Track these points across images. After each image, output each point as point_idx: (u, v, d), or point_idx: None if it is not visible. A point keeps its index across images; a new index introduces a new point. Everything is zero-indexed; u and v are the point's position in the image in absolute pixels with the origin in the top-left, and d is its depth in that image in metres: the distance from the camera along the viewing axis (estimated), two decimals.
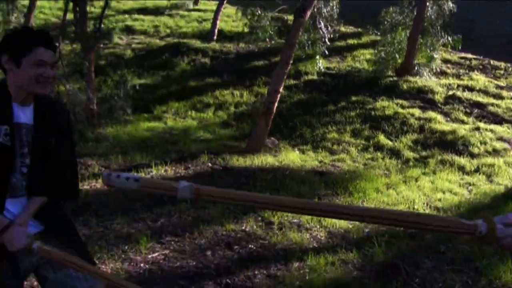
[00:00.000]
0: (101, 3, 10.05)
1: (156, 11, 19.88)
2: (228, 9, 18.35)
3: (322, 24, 8.42)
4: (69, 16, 17.83)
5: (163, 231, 4.77)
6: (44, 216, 2.35)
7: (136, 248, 4.34)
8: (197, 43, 15.05)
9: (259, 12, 8.43)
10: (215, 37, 15.65)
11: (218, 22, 16.03)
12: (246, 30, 12.77)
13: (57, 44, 8.58)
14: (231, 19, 18.26)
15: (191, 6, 20.58)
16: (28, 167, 2.29)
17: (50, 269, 2.31)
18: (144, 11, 19.83)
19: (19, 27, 2.46)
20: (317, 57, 8.32)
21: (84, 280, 2.30)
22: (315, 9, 8.26)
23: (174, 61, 13.70)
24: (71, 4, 9.72)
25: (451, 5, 12.42)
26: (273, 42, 8.33)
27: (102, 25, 9.99)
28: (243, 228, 5.02)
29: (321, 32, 8.27)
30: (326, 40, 8.43)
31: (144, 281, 3.82)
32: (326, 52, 9.30)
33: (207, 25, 17.10)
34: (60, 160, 2.39)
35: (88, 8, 9.62)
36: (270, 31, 7.96)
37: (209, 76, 12.59)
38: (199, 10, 20.02)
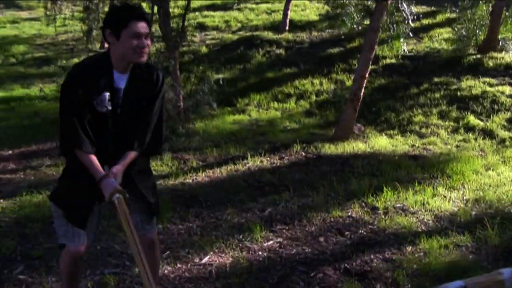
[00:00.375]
0: (181, 3, 10.30)
1: (225, 6, 20.13)
2: None
3: (405, 5, 8.25)
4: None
5: (273, 220, 4.89)
6: (129, 167, 2.80)
7: (251, 237, 4.47)
8: (269, 35, 15.12)
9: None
10: (287, 28, 15.66)
11: (288, 12, 16.02)
12: (319, 18, 12.66)
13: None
14: (300, 9, 18.22)
15: None
16: (122, 125, 2.74)
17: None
18: (213, 7, 20.12)
19: (117, 4, 3.01)
20: (401, 40, 8.17)
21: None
22: None
23: (249, 54, 13.84)
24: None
25: None
26: (357, 28, 8.25)
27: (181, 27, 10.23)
28: (349, 214, 5.06)
29: (404, 14, 8.11)
30: (410, 21, 8.26)
31: (265, 268, 3.94)
32: (410, 34, 9.10)
33: (277, 17, 17.14)
34: (149, 119, 2.79)
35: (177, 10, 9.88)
36: (357, 17, 7.88)
37: (286, 67, 12.63)
38: (267, 2, 20.07)
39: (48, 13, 15.46)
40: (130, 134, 2.78)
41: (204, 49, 14.87)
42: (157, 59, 10.00)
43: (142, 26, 2.62)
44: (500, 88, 9.97)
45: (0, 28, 20.26)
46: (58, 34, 18.53)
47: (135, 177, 2.88)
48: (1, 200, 5.50)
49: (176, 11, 11.60)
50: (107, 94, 2.65)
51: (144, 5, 11.56)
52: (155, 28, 12.71)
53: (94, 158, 2.68)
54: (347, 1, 8.18)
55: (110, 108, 2.67)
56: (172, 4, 10.78)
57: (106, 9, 15.99)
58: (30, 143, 8.47)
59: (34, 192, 5.71)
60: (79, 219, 2.77)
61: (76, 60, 15.30)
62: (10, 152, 7.98)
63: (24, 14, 22.76)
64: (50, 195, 2.91)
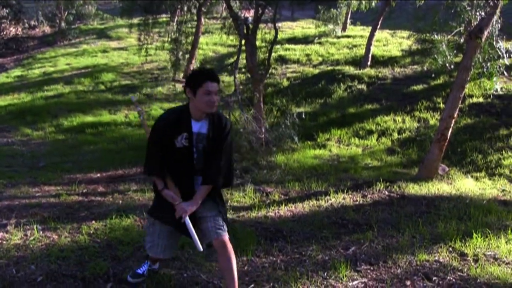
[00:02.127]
0: (268, 36, 10.53)
1: (305, 40, 20.40)
2: (377, 34, 18.23)
3: (501, 43, 8.04)
4: (225, 50, 18.95)
5: (357, 259, 4.82)
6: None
7: (335, 275, 4.42)
8: (351, 70, 15.13)
9: (436, 36, 8.29)
10: (369, 63, 15.62)
11: (371, 47, 16.00)
12: (401, 54, 12.54)
13: (234, 77, 9.22)
14: (382, 43, 18.16)
15: (339, 33, 20.78)
16: (197, 160, 3.55)
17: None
18: (293, 40, 20.44)
19: (196, 69, 3.86)
20: (495, 78, 7.96)
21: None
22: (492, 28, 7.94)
23: (330, 89, 13.88)
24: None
25: None
26: (452, 66, 8.14)
27: (269, 57, 10.44)
28: (436, 258, 4.90)
29: (500, 52, 7.89)
30: (506, 59, 8.03)
31: None
32: (505, 72, 8.85)
33: (358, 51, 17.16)
34: (219, 157, 3.54)
35: (258, 43, 10.15)
36: (449, 55, 7.79)
37: (368, 102, 12.57)
38: (347, 37, 20.16)
39: (140, 43, 16.27)
40: (204, 168, 3.58)
41: (285, 82, 15.07)
42: (241, 91, 10.25)
43: (213, 86, 3.43)
44: None
45: (92, 57, 21.46)
46: (144, 63, 19.38)
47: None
48: (93, 222, 5.76)
49: (259, 43, 11.86)
50: (185, 134, 3.47)
51: (230, 38, 11.95)
52: (242, 60, 13.08)
53: (170, 185, 3.60)
54: (439, 37, 8.08)
55: (187, 145, 3.48)
56: (258, 36, 11.05)
57: (190, 40, 16.70)
58: (117, 167, 8.85)
59: (123, 215, 5.94)
60: (167, 221, 3.65)
61: (160, 89, 15.96)
62: (99, 175, 8.37)
63: (114, 43, 24.05)
64: (148, 211, 3.88)
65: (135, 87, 16.81)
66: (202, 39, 20.84)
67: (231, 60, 11.38)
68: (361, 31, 20.52)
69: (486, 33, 7.80)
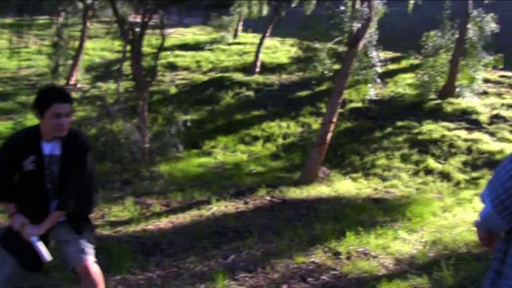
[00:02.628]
0: (155, 42, 10.40)
1: (197, 46, 20.36)
2: (267, 41, 18.65)
3: (374, 52, 8.58)
4: (113, 56, 18.46)
5: (236, 267, 4.88)
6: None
7: (213, 286, 4.44)
8: (240, 77, 15.35)
9: (317, 45, 8.68)
10: (257, 70, 15.92)
11: (260, 54, 16.32)
12: (289, 61, 12.99)
13: (118, 85, 8.95)
14: (271, 51, 18.58)
15: (230, 40, 20.98)
16: (52, 184, 3.22)
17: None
18: (184, 47, 20.34)
19: (44, 87, 3.51)
20: (369, 85, 8.49)
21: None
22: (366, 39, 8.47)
23: (218, 96, 14.00)
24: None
25: (493, 25, 12.40)
26: (327, 73, 8.59)
27: (154, 64, 10.31)
28: (312, 259, 5.09)
29: (373, 60, 8.44)
30: (377, 68, 8.59)
31: None
32: (378, 80, 9.45)
33: (248, 58, 17.42)
34: (73, 182, 3.21)
35: (147, 49, 9.98)
36: (328, 63, 8.21)
37: (255, 109, 12.81)
38: (238, 44, 20.40)
39: (12, 46, 15.24)
40: (58, 192, 3.25)
41: (173, 90, 14.97)
42: (125, 98, 10.04)
43: (62, 107, 3.11)
44: (456, 132, 10.37)
45: None
46: (20, 69, 18.12)
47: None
48: None
49: (148, 49, 11.63)
50: (33, 157, 3.14)
51: (116, 43, 11.65)
52: (126, 66, 12.79)
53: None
54: (320, 46, 8.49)
55: (33, 168, 3.15)
56: (145, 42, 10.86)
57: (74, 44, 15.99)
58: None
59: None
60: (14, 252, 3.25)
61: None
62: None
63: None
64: None
65: (7, 94, 15.66)
66: (89, 44, 20.06)
67: (124, 66, 11.15)
68: (252, 39, 20.85)
69: (361, 43, 8.27)
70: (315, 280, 4.63)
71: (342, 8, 8.97)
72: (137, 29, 9.90)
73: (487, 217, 2.21)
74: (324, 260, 5.10)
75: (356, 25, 8.51)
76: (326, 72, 8.79)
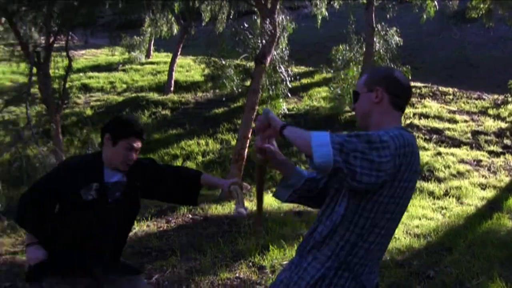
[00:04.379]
0: (63, 64, 10.11)
1: (110, 67, 19.99)
2: (181, 60, 18.63)
3: (283, 68, 8.80)
4: (24, 79, 17.76)
5: (160, 287, 4.79)
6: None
7: None
8: (155, 96, 15.20)
9: (223, 62, 8.75)
10: (172, 89, 15.85)
11: (173, 73, 16.26)
12: (205, 79, 13.07)
13: (27, 109, 8.60)
14: (185, 70, 18.57)
15: (143, 60, 20.78)
16: (116, 212, 2.97)
17: None
18: (97, 68, 19.91)
19: (124, 116, 3.47)
20: (281, 100, 8.69)
21: None
22: (275, 54, 8.65)
23: (135, 116, 13.76)
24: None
25: (397, 39, 13.09)
26: (238, 89, 8.69)
27: (64, 86, 10.02)
28: (237, 275, 5.09)
29: (282, 76, 8.65)
30: (288, 82, 8.82)
31: None
32: (289, 94, 9.69)
33: (162, 77, 17.31)
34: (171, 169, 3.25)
35: (51, 71, 9.67)
36: (236, 79, 8.31)
37: (172, 128, 12.70)
38: (151, 63, 20.25)
39: None
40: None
41: (88, 111, 14.58)
42: (37, 123, 9.67)
43: (137, 142, 2.98)
44: None
45: None
46: None
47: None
48: None
49: (58, 72, 11.28)
50: (95, 184, 2.88)
51: (23, 66, 11.22)
52: (35, 89, 12.33)
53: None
54: (227, 64, 8.58)
55: (95, 197, 2.87)
56: (53, 64, 10.53)
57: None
58: None
59: None
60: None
61: None
62: None
63: None
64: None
65: None
66: None
67: (33, 90, 10.68)
68: (165, 58, 20.72)
69: (269, 58, 8.43)
70: None
71: (246, 25, 9.14)
72: (42, 51, 9.59)
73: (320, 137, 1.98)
74: (249, 275, 5.11)
75: (262, 42, 8.68)
76: (235, 88, 8.91)
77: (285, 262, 5.39)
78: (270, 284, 2.26)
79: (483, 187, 8.39)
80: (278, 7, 9.93)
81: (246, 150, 8.49)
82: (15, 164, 8.35)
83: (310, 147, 1.95)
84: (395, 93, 2.25)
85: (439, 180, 8.83)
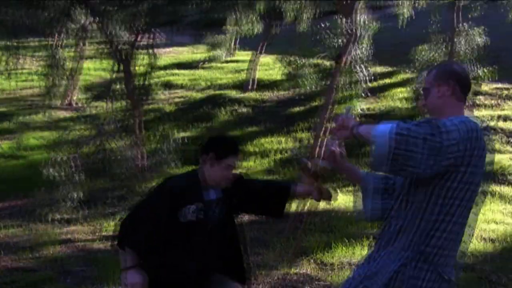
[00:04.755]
0: (147, 61, 10.59)
1: (191, 65, 20.55)
2: (263, 58, 18.86)
3: (358, 67, 8.80)
4: (115, 75, 18.70)
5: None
6: None
7: None
8: (235, 94, 15.53)
9: (302, 61, 8.89)
10: (253, 87, 16.09)
11: (254, 72, 16.51)
12: (287, 78, 13.22)
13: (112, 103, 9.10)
14: (266, 68, 18.78)
15: (226, 58, 21.19)
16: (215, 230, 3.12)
17: None
18: (180, 65, 20.52)
19: (220, 136, 3.87)
20: (358, 99, 8.73)
21: None
22: (353, 54, 8.66)
23: (214, 113, 14.16)
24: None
25: (481, 38, 12.58)
26: (316, 88, 8.82)
27: (146, 82, 10.49)
28: (302, 271, 5.20)
29: (358, 75, 8.66)
30: (363, 83, 8.81)
31: None
32: (364, 94, 9.65)
33: (243, 76, 17.59)
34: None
35: (136, 68, 10.16)
36: (313, 78, 8.45)
37: (250, 125, 12.95)
38: (234, 61, 20.61)
39: (8, 68, 15.43)
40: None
41: (169, 108, 15.14)
42: (120, 117, 10.19)
43: (235, 161, 3.12)
44: None
45: None
46: (20, 89, 18.30)
47: None
48: None
49: (142, 69, 11.81)
50: (195, 205, 3.02)
51: (106, 62, 11.88)
52: (120, 86, 12.97)
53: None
54: (306, 63, 8.72)
55: (200, 217, 3.03)
56: (138, 62, 11.06)
57: (70, 64, 16.20)
58: None
59: None
60: None
61: (36, 117, 15.27)
62: None
63: None
64: None
65: (10, 114, 15.88)
66: (88, 64, 20.30)
67: (118, 86, 11.34)
68: (247, 56, 21.07)
69: (344, 58, 8.43)
70: None
71: (325, 24, 9.20)
72: (127, 49, 10.09)
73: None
74: (314, 271, 5.20)
75: (340, 42, 8.66)
76: (312, 87, 9.01)
77: (347, 260, 5.45)
78: (347, 278, 2.32)
79: None
80: (359, 6, 9.89)
81: (318, 148, 8.54)
82: (98, 155, 8.81)
83: (371, 138, 2.10)
84: (463, 85, 2.41)
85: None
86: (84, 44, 16.90)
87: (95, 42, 21.06)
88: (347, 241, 5.91)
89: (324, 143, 7.67)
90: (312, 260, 5.46)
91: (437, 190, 2.19)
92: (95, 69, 20.59)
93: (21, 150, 12.30)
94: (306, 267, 5.27)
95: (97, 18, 9.80)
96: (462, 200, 2.20)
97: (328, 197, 2.98)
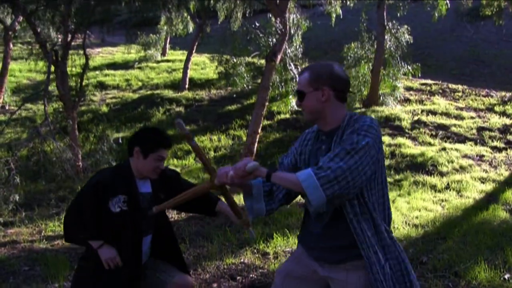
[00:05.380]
0: (80, 62, 10.49)
1: (126, 65, 20.39)
2: (196, 58, 18.98)
3: (292, 65, 9.10)
4: (41, 77, 18.24)
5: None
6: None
7: None
8: (170, 93, 15.56)
9: (234, 60, 9.07)
10: (186, 86, 16.19)
11: (188, 71, 16.60)
12: (219, 77, 13.39)
13: (45, 106, 8.99)
14: (200, 67, 18.90)
15: (159, 58, 21.14)
16: (146, 221, 3.23)
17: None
18: (113, 66, 20.31)
19: (149, 129, 3.84)
20: (290, 96, 8.99)
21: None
22: (285, 52, 8.95)
23: (149, 113, 14.15)
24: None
25: (407, 36, 13.28)
26: (249, 87, 9.04)
27: (80, 83, 10.41)
28: (242, 260, 5.40)
29: (292, 73, 8.94)
30: (295, 80, 9.12)
31: None
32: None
33: (177, 75, 17.65)
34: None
35: (68, 69, 10.06)
36: (247, 77, 8.64)
37: (186, 124, 12.89)
38: (167, 61, 20.60)
39: None
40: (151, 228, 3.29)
41: (104, 108, 14.98)
42: (54, 119, 10.05)
43: (166, 153, 3.21)
44: None
45: None
46: None
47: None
48: None
49: (75, 70, 11.68)
50: (123, 197, 3.12)
51: (41, 64, 11.66)
52: (53, 86, 12.75)
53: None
54: (238, 62, 8.91)
55: (126, 208, 3.13)
56: (70, 62, 10.92)
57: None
58: None
59: None
60: None
61: None
62: None
63: None
64: None
65: None
66: (15, 66, 19.72)
67: (51, 87, 11.12)
68: (180, 55, 21.07)
69: (279, 56, 8.72)
70: (243, 278, 4.94)
71: (258, 24, 9.46)
72: (59, 49, 9.97)
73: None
74: (253, 260, 5.41)
75: (273, 40, 8.96)
76: (246, 85, 9.25)
77: (287, 249, 5.70)
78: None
79: (483, 180, 8.62)
80: (289, 6, 10.22)
81: (256, 145, 8.79)
82: (33, 158, 8.72)
83: (303, 189, 2.27)
84: (339, 89, 2.50)
85: (442, 174, 9.06)
86: (11, 45, 16.36)
87: (23, 43, 20.56)
88: (287, 231, 6.16)
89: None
90: (255, 250, 5.67)
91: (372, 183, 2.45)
92: (20, 71, 19.99)
93: None
94: (249, 257, 5.47)
95: (26, 18, 9.59)
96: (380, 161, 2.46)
97: (246, 223, 2.94)
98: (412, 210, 7.22)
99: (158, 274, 3.32)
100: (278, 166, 2.77)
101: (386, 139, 10.93)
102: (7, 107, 15.63)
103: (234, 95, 13.85)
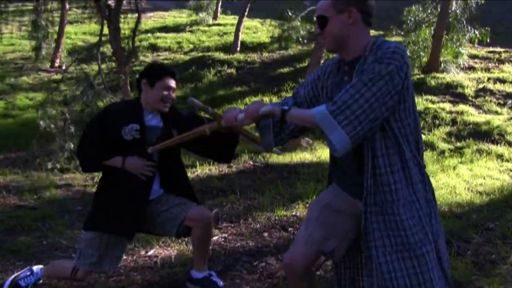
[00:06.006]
0: (132, 23, 10.43)
1: (177, 28, 20.30)
2: (248, 22, 18.63)
3: None
4: (95, 39, 18.39)
5: (219, 219, 4.93)
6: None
7: None
8: (221, 55, 15.35)
9: (289, 13, 8.72)
10: (238, 49, 15.94)
11: (240, 34, 16.33)
12: (270, 40, 13.03)
13: (98, 63, 8.97)
14: (252, 31, 18.58)
15: (210, 21, 20.94)
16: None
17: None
18: (165, 29, 20.27)
19: (153, 62, 3.92)
20: None
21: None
22: None
23: (200, 74, 14.01)
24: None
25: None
26: (302, 46, 8.70)
27: (131, 43, 10.35)
28: (294, 213, 5.17)
29: None
30: None
31: (209, 259, 3.98)
32: None
33: (229, 38, 17.41)
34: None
35: (121, 25, 9.98)
36: (302, 31, 8.27)
37: (237, 85, 12.82)
38: (219, 25, 20.37)
39: None
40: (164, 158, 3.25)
41: None
42: (108, 77, 10.05)
43: (172, 82, 3.22)
44: (441, 105, 10.44)
45: None
46: (6, 53, 18.24)
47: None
48: None
49: (128, 32, 11.64)
50: (135, 125, 3.11)
51: (94, 21, 11.65)
52: (107, 47, 12.77)
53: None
54: (293, 16, 8.56)
55: (137, 137, 3.12)
56: (124, 26, 10.87)
57: (55, 29, 15.94)
58: None
59: None
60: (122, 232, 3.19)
61: (24, 78, 15.13)
62: None
63: None
64: (87, 225, 3.22)
65: None
66: (71, 29, 20.02)
67: (101, 49, 11.14)
68: (232, 20, 20.80)
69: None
70: (295, 230, 4.71)
71: None
72: (113, 3, 9.90)
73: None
74: (305, 214, 5.16)
75: None
76: (300, 40, 8.87)
77: None
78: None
79: None
80: None
81: None
82: (87, 110, 8.77)
83: (319, 127, 2.08)
84: (366, 10, 2.24)
85: (510, 144, 8.54)
86: (67, 7, 16.59)
87: (78, 7, 20.79)
88: None
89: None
90: (306, 205, 5.42)
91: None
92: (75, 33, 20.27)
93: (13, 109, 12.55)
94: (301, 211, 5.23)
95: None
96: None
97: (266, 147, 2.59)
98: (475, 177, 6.79)
99: (172, 209, 3.26)
100: (293, 96, 2.56)
101: (446, 106, 10.42)
102: (63, 67, 15.92)
103: (288, 56, 13.40)
